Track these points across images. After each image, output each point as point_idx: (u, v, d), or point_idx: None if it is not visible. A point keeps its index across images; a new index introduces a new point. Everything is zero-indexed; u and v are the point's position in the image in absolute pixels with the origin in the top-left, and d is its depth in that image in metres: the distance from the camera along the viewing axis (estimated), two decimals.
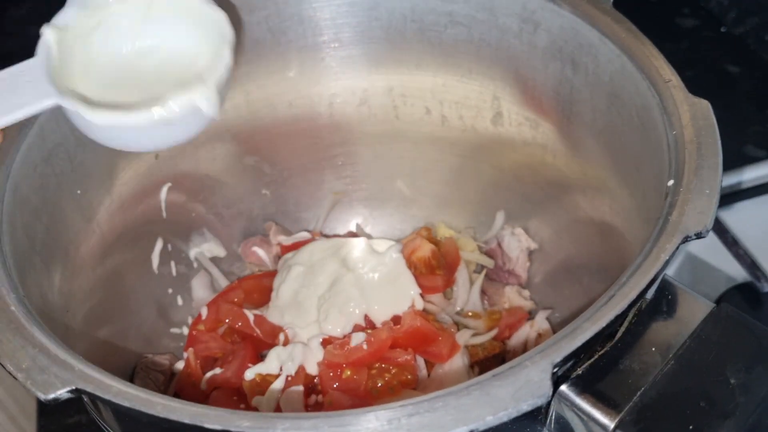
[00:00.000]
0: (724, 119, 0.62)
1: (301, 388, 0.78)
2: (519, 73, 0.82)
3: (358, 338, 0.79)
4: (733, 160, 1.03)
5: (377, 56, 0.89)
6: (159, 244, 0.87)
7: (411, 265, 0.88)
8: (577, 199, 0.82)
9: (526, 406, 0.46)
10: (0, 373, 1.30)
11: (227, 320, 0.86)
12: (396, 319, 0.83)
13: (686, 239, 0.54)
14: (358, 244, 0.92)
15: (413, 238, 0.91)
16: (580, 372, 0.54)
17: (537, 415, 0.54)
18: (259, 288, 0.90)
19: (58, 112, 0.70)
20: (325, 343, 0.81)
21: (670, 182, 0.58)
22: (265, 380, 0.79)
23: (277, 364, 0.79)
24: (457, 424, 0.46)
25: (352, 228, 1.00)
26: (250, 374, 0.80)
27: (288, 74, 0.89)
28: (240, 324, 0.85)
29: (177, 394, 0.81)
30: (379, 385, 0.78)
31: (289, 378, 0.79)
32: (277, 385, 0.78)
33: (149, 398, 0.49)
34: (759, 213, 0.97)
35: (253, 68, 0.86)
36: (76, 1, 0.67)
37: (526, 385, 0.47)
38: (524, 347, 0.84)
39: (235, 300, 0.88)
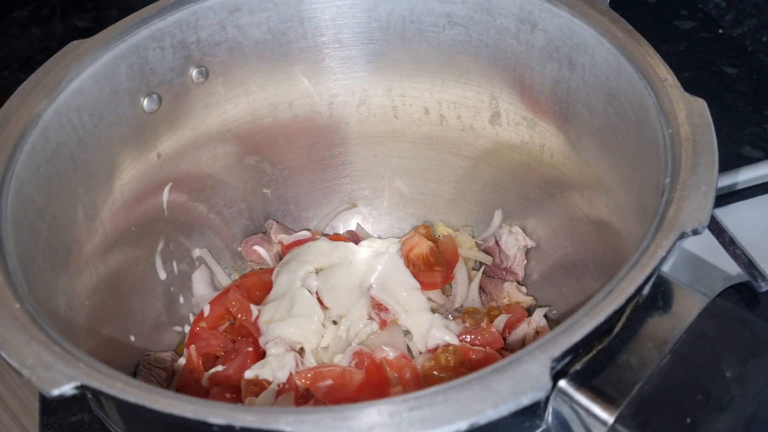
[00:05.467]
0: (721, 120, 0.62)
1: (291, 394, 0.78)
2: (516, 73, 0.83)
3: (330, 372, 0.79)
4: (730, 161, 1.03)
5: (376, 57, 0.89)
6: (161, 243, 0.88)
7: (409, 262, 0.88)
8: (574, 198, 0.83)
9: (525, 400, 0.47)
10: (2, 372, 1.30)
11: (233, 307, 0.86)
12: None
13: (683, 236, 0.54)
14: (357, 243, 0.93)
15: (411, 235, 0.92)
16: (579, 367, 0.54)
17: (536, 409, 0.55)
18: (260, 285, 0.90)
19: (60, 112, 0.72)
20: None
21: (667, 180, 0.58)
22: (261, 384, 0.80)
23: (270, 371, 0.80)
24: (458, 418, 0.46)
25: (352, 227, 1.01)
26: (249, 373, 0.80)
27: (288, 75, 0.89)
28: (244, 317, 0.85)
29: (178, 391, 0.82)
30: None
31: (281, 385, 0.79)
32: (271, 390, 0.79)
33: (153, 394, 0.49)
34: (756, 213, 0.97)
35: (254, 69, 0.87)
36: None
37: (525, 379, 0.47)
38: (522, 344, 0.84)
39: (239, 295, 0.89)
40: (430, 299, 0.88)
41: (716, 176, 0.57)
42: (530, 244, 0.91)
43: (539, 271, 0.91)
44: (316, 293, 0.87)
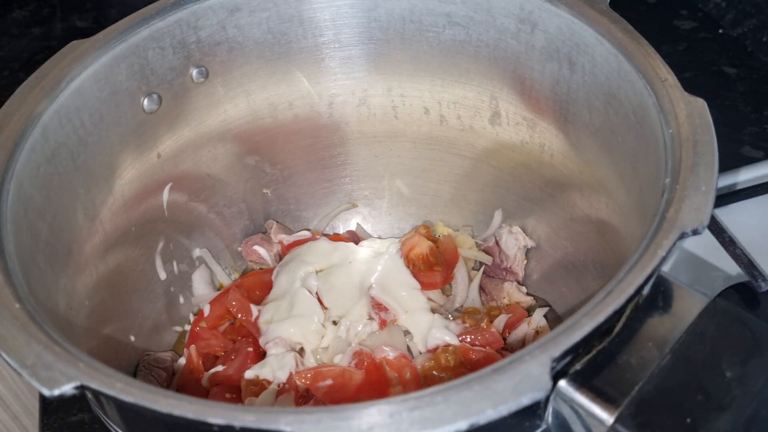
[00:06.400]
0: (721, 120, 0.62)
1: (292, 394, 0.78)
2: (516, 73, 0.83)
3: (330, 372, 0.79)
4: (730, 161, 1.03)
5: (376, 57, 0.89)
6: (161, 243, 0.88)
7: (409, 262, 0.88)
8: (574, 198, 0.83)
9: (525, 400, 0.47)
10: (2, 371, 1.30)
11: (233, 307, 0.86)
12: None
13: (683, 236, 0.54)
14: (357, 243, 0.93)
15: (411, 235, 0.92)
16: (579, 367, 0.54)
17: (536, 409, 0.55)
18: (260, 285, 0.90)
19: (60, 112, 0.72)
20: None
21: (667, 180, 0.58)
22: (261, 384, 0.80)
23: (270, 371, 0.80)
24: (458, 418, 0.46)
25: (352, 227, 1.01)
26: (250, 373, 0.80)
27: (288, 75, 0.89)
28: (244, 317, 0.85)
29: (178, 391, 0.82)
30: None
31: (281, 385, 0.79)
32: (271, 390, 0.79)
33: (153, 394, 0.49)
34: (756, 213, 0.97)
35: (254, 69, 0.87)
36: None
37: (525, 379, 0.47)
38: (522, 344, 0.84)
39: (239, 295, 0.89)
40: (430, 299, 0.88)
41: (716, 176, 0.57)
42: (530, 244, 0.91)
43: (539, 271, 0.91)
44: (316, 293, 0.87)
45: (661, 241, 0.54)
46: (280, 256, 0.95)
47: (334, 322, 0.86)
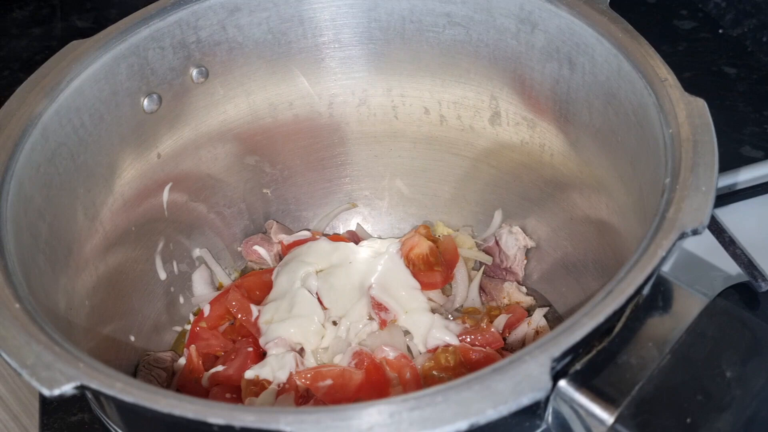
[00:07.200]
0: (721, 120, 0.62)
1: (292, 394, 0.78)
2: (516, 73, 0.83)
3: (330, 372, 0.79)
4: (730, 161, 1.03)
5: (376, 57, 0.89)
6: (161, 243, 0.88)
7: (409, 262, 0.88)
8: (574, 198, 0.83)
9: (525, 400, 0.47)
10: (2, 371, 1.30)
11: (233, 307, 0.86)
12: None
13: (683, 236, 0.54)
14: (357, 243, 0.93)
15: (411, 235, 0.92)
16: (579, 367, 0.54)
17: (536, 409, 0.55)
18: (260, 285, 0.90)
19: (60, 112, 0.72)
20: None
21: (667, 180, 0.58)
22: (261, 384, 0.80)
23: (270, 371, 0.80)
24: (458, 418, 0.46)
25: (352, 227, 1.01)
26: (250, 373, 0.80)
27: (288, 75, 0.89)
28: (244, 317, 0.85)
29: (179, 391, 0.82)
30: None
31: (281, 385, 0.79)
32: (271, 390, 0.79)
33: (153, 394, 0.49)
34: (756, 213, 0.97)
35: (254, 68, 0.87)
36: None
37: (525, 379, 0.47)
38: (522, 344, 0.84)
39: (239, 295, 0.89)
40: (430, 299, 0.88)
41: (716, 176, 0.57)
42: (530, 244, 0.91)
43: (539, 271, 0.91)
44: (316, 293, 0.87)
45: (661, 241, 0.54)
46: (280, 256, 0.95)
47: (334, 323, 0.86)
